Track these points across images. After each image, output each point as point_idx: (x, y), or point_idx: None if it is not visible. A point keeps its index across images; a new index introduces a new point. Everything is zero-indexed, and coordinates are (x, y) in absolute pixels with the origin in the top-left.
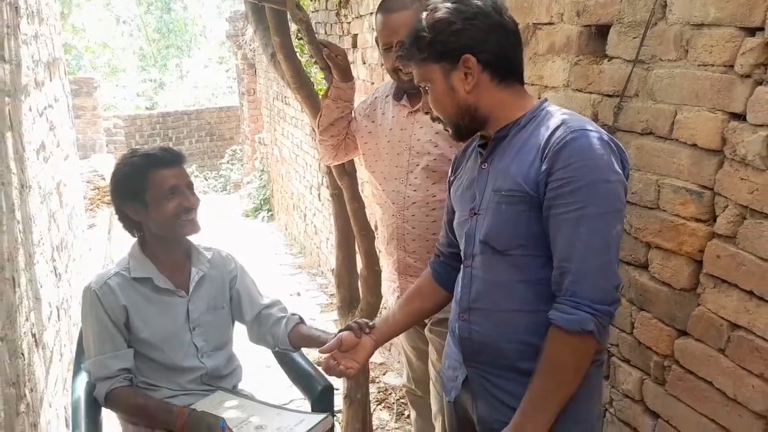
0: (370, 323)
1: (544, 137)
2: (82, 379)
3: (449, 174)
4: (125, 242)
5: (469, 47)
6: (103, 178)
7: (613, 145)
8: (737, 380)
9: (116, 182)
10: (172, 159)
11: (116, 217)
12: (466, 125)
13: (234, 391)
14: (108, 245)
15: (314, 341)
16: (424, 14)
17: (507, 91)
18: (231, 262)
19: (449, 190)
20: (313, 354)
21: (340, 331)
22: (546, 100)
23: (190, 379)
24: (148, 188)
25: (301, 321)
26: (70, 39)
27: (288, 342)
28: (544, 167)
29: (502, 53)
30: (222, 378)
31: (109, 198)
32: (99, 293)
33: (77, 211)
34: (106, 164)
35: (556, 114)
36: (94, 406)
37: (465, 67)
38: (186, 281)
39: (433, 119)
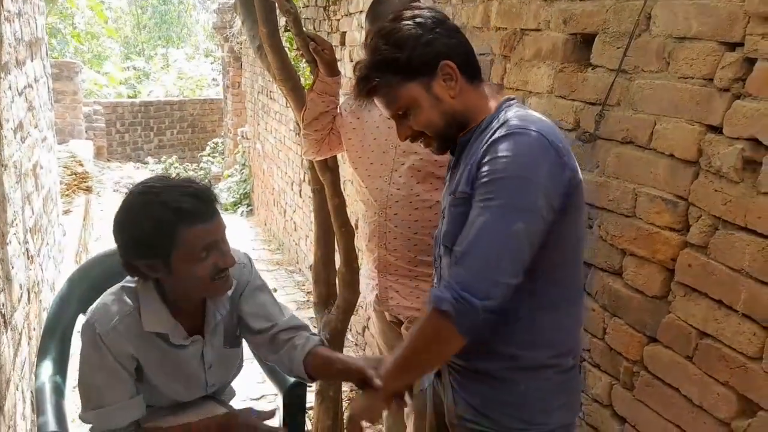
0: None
1: (489, 139)
2: (47, 364)
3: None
4: (101, 230)
5: (443, 54)
6: (81, 164)
7: (553, 149)
8: (703, 387)
9: (131, 236)
10: (207, 210)
11: (123, 265)
12: (453, 133)
13: (218, 399)
14: (83, 232)
15: (334, 373)
16: (381, 40)
17: (478, 92)
18: (245, 274)
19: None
20: None
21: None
22: (507, 99)
23: (191, 401)
24: (176, 248)
25: (322, 344)
26: (56, 24)
27: (302, 369)
28: (477, 164)
29: (468, 54)
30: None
31: (87, 184)
32: (105, 338)
33: (53, 195)
34: (84, 150)
35: (509, 114)
36: (57, 391)
37: (444, 74)
38: (201, 324)
39: (414, 140)
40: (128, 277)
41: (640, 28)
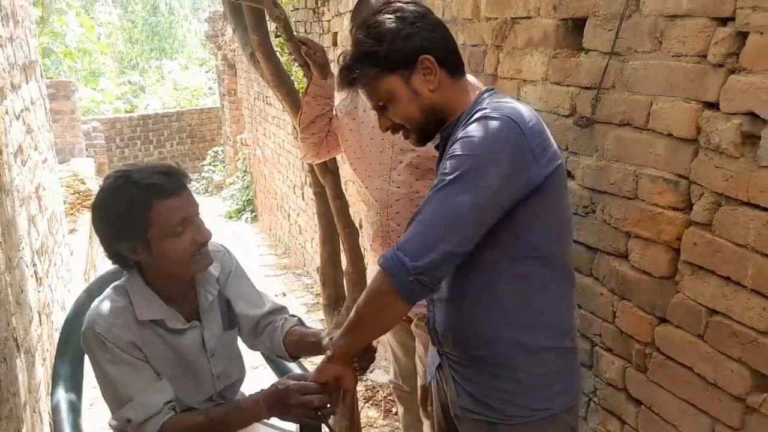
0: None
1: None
2: (62, 384)
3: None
4: None
5: (423, 48)
6: (83, 182)
7: (521, 133)
8: (716, 365)
9: (108, 218)
10: (177, 184)
11: (107, 254)
12: (432, 127)
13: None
14: (89, 249)
15: (307, 345)
16: (362, 32)
17: (459, 85)
18: (229, 261)
19: None
20: None
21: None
22: (487, 90)
23: (200, 401)
24: (152, 225)
25: (300, 323)
26: (49, 44)
27: (283, 348)
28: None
29: (449, 48)
30: (230, 391)
31: (90, 202)
32: (107, 336)
33: (57, 215)
34: (86, 168)
35: (484, 104)
36: (73, 410)
37: (423, 68)
38: (195, 307)
39: (394, 132)
40: (115, 282)
41: (630, 9)
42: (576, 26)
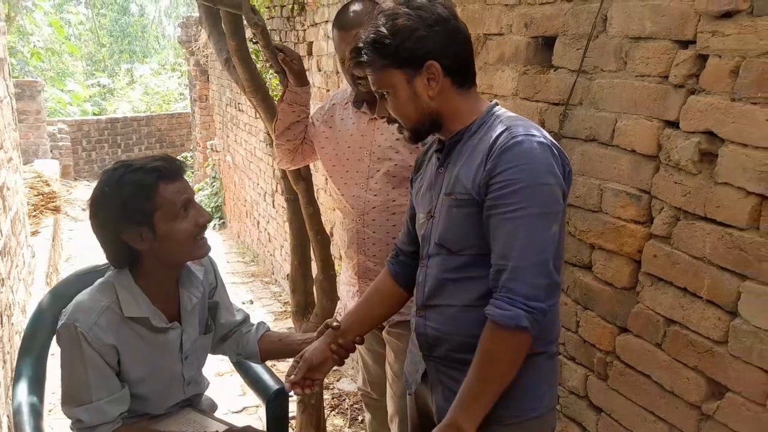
0: (340, 340)
1: (489, 142)
2: (23, 385)
3: (412, 173)
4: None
5: (432, 53)
6: (48, 184)
7: (554, 149)
8: (673, 373)
9: (113, 207)
10: (177, 170)
11: (108, 249)
12: (426, 129)
13: (198, 408)
14: (52, 253)
15: (286, 346)
16: (383, 20)
17: (464, 96)
18: (211, 272)
19: (411, 189)
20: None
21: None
22: (496, 104)
23: (168, 407)
24: (159, 208)
25: (268, 329)
26: (15, 43)
27: (257, 350)
28: (485, 170)
29: (461, 59)
30: (195, 396)
31: (54, 204)
32: (88, 335)
33: (20, 216)
34: (50, 169)
35: (503, 118)
36: (35, 413)
37: (428, 73)
38: (177, 309)
39: (390, 122)
40: (100, 279)
41: (598, 30)
42: (546, 44)
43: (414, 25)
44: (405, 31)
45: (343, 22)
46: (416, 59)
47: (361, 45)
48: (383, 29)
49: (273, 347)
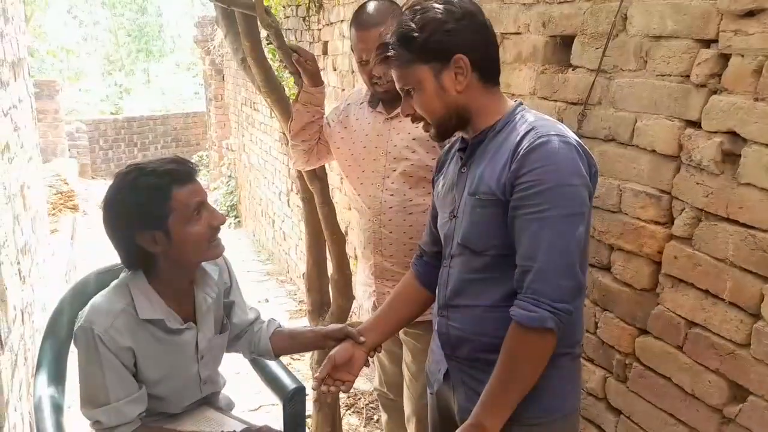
0: (361, 339)
1: (514, 142)
2: (43, 380)
3: (434, 173)
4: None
5: (461, 47)
6: (66, 183)
7: (580, 149)
8: (694, 376)
9: (127, 211)
10: (190, 172)
11: (122, 252)
12: (453, 126)
13: (215, 405)
14: (71, 251)
15: (297, 341)
16: (410, 14)
17: (489, 93)
18: (225, 271)
19: (433, 189)
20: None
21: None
22: (521, 103)
23: (184, 406)
24: (173, 211)
25: (280, 325)
26: (31, 42)
27: (269, 347)
28: (511, 171)
29: (489, 54)
30: (212, 395)
31: (73, 203)
32: (104, 337)
33: (41, 215)
34: (68, 168)
35: (528, 119)
36: (56, 408)
37: (456, 68)
38: (192, 309)
39: (414, 120)
40: (114, 281)
41: (617, 29)
42: (564, 43)
43: (443, 18)
44: (433, 25)
45: (361, 21)
46: (444, 53)
47: (388, 40)
48: (411, 23)
49: (285, 344)
